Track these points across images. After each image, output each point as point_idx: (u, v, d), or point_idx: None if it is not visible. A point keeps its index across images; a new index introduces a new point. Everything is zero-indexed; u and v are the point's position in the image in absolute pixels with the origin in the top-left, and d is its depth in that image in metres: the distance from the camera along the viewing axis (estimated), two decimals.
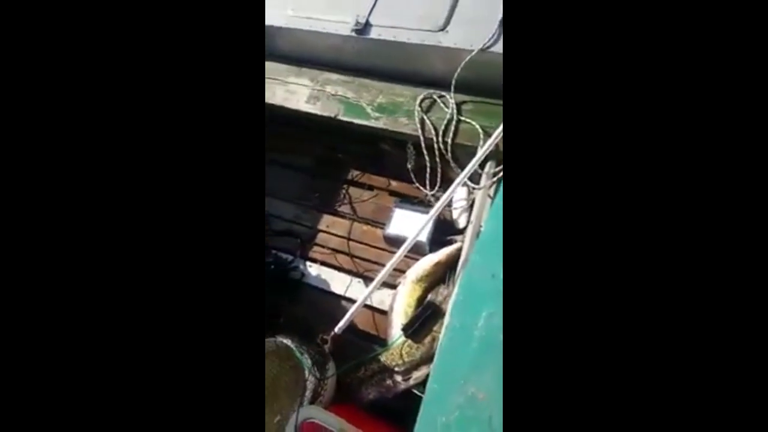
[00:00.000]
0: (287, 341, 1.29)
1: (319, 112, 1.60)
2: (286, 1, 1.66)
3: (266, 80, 1.70)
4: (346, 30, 1.49)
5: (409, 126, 1.47)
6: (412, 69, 1.51)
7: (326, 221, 1.79)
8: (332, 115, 1.57)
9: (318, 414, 1.04)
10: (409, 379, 1.31)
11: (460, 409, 0.65)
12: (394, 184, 1.78)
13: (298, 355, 1.24)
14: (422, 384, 1.26)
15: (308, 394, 1.16)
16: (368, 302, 1.58)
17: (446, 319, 0.78)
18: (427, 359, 1.32)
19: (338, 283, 1.66)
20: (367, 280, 1.60)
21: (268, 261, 1.63)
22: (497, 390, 0.63)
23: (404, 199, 1.70)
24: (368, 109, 1.53)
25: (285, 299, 1.56)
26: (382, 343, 1.46)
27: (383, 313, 1.54)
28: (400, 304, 1.48)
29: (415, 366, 1.32)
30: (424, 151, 1.49)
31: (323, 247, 1.74)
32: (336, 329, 1.40)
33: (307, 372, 1.20)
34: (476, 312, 0.72)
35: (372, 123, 1.51)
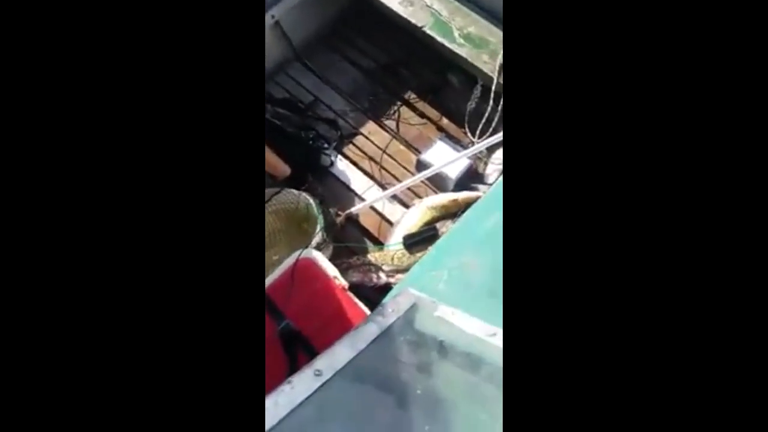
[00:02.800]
0: (310, 198, 1.42)
1: (407, 17, 1.62)
2: None
3: None
4: None
5: (487, 66, 1.52)
6: None
7: (369, 127, 1.88)
8: (419, 25, 1.60)
9: (319, 257, 1.19)
10: (392, 277, 1.46)
11: (449, 269, 0.78)
12: (445, 121, 1.86)
13: (316, 212, 1.37)
14: None
15: (312, 245, 1.31)
16: (379, 210, 1.71)
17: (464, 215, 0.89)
18: None
19: (359, 184, 1.78)
20: (387, 191, 1.70)
21: (309, 137, 1.73)
22: (486, 266, 0.76)
23: (450, 136, 1.78)
24: (456, 33, 1.56)
25: (310, 175, 1.69)
26: (380, 246, 1.60)
27: (390, 223, 1.67)
28: (408, 221, 1.60)
29: (401, 270, 1.47)
30: (491, 96, 1.54)
31: (358, 149, 1.84)
32: (352, 210, 1.53)
33: (318, 227, 1.34)
34: (490, 212, 0.83)
35: (454, 48, 1.55)
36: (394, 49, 1.95)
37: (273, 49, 1.90)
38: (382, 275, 1.48)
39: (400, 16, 1.63)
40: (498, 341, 0.61)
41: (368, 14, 1.88)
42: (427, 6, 1.61)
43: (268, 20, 1.80)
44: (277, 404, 0.53)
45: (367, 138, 1.86)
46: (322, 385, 0.56)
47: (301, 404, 0.53)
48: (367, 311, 1.17)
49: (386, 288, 1.46)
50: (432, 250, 0.87)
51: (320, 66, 1.96)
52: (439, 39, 1.56)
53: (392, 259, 1.50)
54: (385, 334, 0.62)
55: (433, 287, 0.77)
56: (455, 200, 1.59)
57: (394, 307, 0.69)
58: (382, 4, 1.66)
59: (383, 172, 1.79)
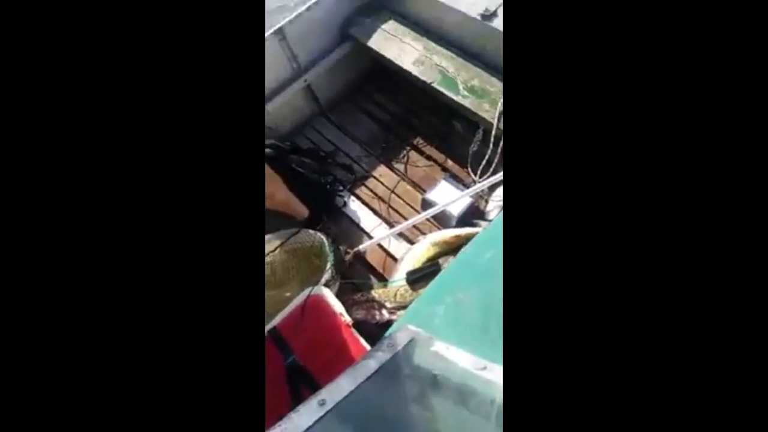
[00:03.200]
0: (324, 237, 1.51)
1: (418, 75, 1.79)
2: None
3: (387, 36, 1.92)
4: (474, 13, 1.67)
5: (488, 113, 1.64)
6: None
7: (380, 170, 2.00)
8: (429, 81, 1.76)
9: (329, 295, 1.25)
10: (393, 314, 1.50)
11: (445, 305, 0.83)
12: (449, 162, 1.97)
13: (329, 250, 1.45)
14: None
15: (322, 282, 1.37)
16: (385, 246, 1.78)
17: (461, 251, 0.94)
18: None
19: (369, 222, 1.87)
20: (393, 229, 1.78)
21: (327, 181, 1.86)
22: (477, 300, 0.81)
23: (454, 176, 1.88)
24: (460, 86, 1.70)
25: (325, 215, 1.79)
26: (384, 282, 1.65)
27: (395, 259, 1.73)
28: (411, 257, 1.66)
29: (404, 307, 1.51)
30: (492, 140, 1.65)
31: (370, 190, 1.95)
32: (360, 247, 1.60)
33: (329, 265, 1.42)
34: (486, 248, 0.89)
35: (459, 99, 1.69)
36: (406, 101, 2.14)
37: (304, 108, 2.14)
38: (385, 312, 1.52)
39: (412, 74, 1.81)
40: (488, 374, 0.65)
41: (385, 73, 2.09)
42: (436, 65, 1.80)
43: (302, 84, 2.04)
44: (285, 431, 0.58)
45: (378, 180, 1.98)
46: (324, 414, 0.61)
47: (305, 431, 0.58)
48: (369, 348, 1.21)
49: (388, 325, 1.50)
50: (430, 286, 0.93)
51: (341, 119, 2.18)
52: (446, 92, 1.72)
53: (395, 295, 1.55)
54: (384, 368, 0.67)
55: (430, 322, 0.81)
56: (458, 236, 1.65)
57: (392, 342, 0.74)
58: (397, 65, 1.86)
59: (391, 210, 1.89)
